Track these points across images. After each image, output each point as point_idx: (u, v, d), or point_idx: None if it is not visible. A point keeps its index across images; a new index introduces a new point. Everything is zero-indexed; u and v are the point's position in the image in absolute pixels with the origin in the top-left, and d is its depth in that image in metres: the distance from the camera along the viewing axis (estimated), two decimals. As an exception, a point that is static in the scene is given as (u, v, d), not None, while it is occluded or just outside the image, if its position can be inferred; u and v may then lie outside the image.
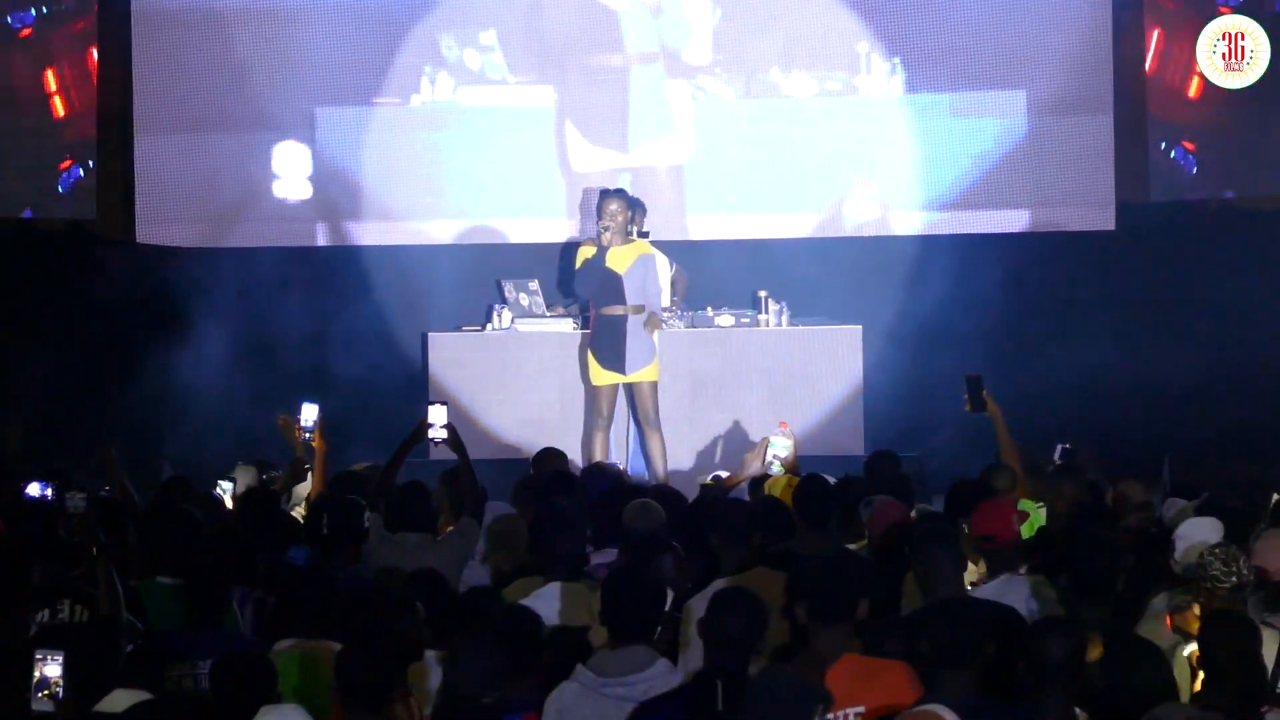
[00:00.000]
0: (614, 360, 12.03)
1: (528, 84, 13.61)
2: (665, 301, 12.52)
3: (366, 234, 13.62)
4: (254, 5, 13.54)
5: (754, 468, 9.62)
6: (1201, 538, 6.94)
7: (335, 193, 13.61)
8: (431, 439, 8.26)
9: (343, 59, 13.51)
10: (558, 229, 13.60)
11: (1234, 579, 6.42)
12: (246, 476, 9.75)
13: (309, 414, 9.37)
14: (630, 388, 12.19)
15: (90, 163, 13.56)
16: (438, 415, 8.22)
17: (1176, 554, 6.98)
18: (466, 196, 13.63)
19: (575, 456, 11.92)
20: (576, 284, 12.20)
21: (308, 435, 9.35)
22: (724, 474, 10.39)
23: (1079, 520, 7.80)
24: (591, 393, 12.25)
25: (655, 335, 12.11)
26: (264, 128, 13.57)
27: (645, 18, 13.59)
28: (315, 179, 13.60)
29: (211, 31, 13.49)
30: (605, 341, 12.04)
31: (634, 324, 11.99)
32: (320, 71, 13.52)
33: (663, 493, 9.01)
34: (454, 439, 8.23)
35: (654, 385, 12.12)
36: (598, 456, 11.97)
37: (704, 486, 9.88)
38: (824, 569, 5.98)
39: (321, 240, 13.68)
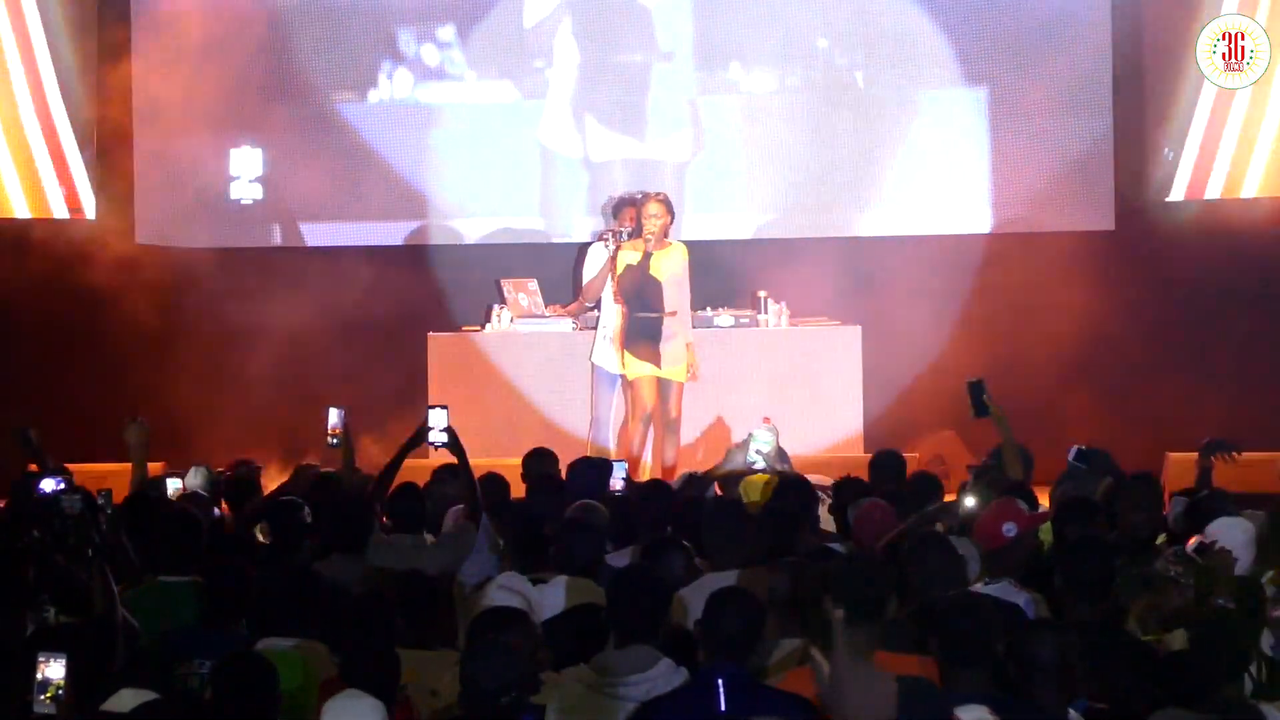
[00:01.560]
0: (649, 355, 11.96)
1: (489, 79, 13.61)
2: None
3: (366, 234, 13.62)
4: (259, 5, 13.56)
5: (737, 460, 9.56)
6: (1231, 538, 6.92)
7: (335, 192, 13.60)
8: (431, 442, 8.27)
9: (340, 56, 13.53)
10: (558, 227, 13.62)
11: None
12: (198, 478, 9.65)
13: (334, 419, 9.36)
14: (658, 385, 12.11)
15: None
16: (438, 418, 8.23)
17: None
18: (466, 195, 13.65)
19: (572, 457, 11.90)
20: (619, 287, 12.04)
21: (334, 441, 9.34)
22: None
23: (1067, 524, 7.68)
24: (631, 389, 12.12)
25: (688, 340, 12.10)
26: (266, 128, 13.58)
27: (625, 12, 13.57)
28: (315, 178, 13.58)
29: (205, 30, 13.50)
30: (641, 340, 11.95)
31: (669, 326, 11.94)
32: (310, 70, 13.52)
33: (687, 486, 9.03)
34: (454, 442, 8.24)
35: (681, 386, 12.08)
36: (636, 452, 11.93)
37: (692, 479, 9.79)
38: (860, 566, 6.02)
39: (320, 240, 13.68)
